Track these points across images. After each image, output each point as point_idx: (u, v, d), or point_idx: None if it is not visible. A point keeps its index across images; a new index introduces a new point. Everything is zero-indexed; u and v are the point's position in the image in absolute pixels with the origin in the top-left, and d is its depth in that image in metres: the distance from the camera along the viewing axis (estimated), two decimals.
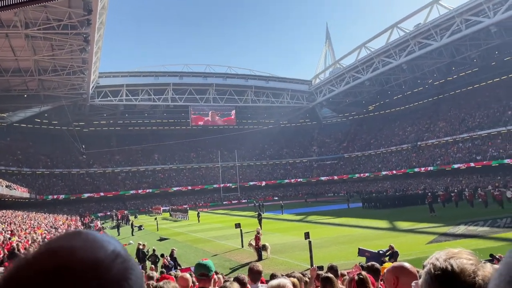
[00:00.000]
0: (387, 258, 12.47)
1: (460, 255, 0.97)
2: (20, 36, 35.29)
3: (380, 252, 12.76)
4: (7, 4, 3.75)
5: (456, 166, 55.49)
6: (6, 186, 40.64)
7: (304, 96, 80.00)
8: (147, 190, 70.99)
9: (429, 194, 34.53)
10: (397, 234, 20.99)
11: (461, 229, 20.54)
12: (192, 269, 12.10)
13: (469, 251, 1.02)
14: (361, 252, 13.66)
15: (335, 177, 77.01)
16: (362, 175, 72.23)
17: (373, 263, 4.69)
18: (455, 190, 40.76)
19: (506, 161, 49.05)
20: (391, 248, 12.64)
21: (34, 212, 45.85)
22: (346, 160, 79.77)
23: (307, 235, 15.39)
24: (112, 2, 41.70)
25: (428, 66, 60.74)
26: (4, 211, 39.62)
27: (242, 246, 20.12)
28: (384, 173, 67.61)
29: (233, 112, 78.01)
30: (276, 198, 70.50)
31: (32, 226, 28.78)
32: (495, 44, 51.61)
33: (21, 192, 47.94)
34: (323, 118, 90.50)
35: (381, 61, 59.93)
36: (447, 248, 1.05)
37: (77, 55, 41.24)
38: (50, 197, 61.53)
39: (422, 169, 60.66)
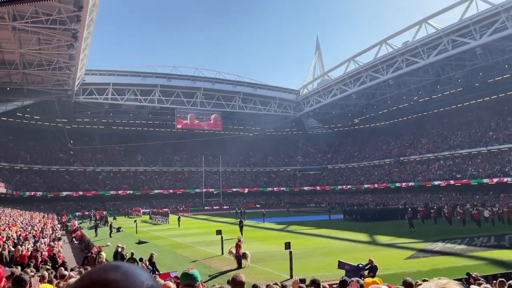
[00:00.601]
0: (366, 272, 12.52)
1: (449, 286, 1.02)
2: (7, 28, 34.59)
3: (360, 265, 12.79)
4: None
5: (436, 183, 56.42)
6: None
7: (292, 106, 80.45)
8: (128, 192, 70.01)
9: (410, 209, 34.95)
10: (376, 248, 21.14)
11: (439, 246, 20.81)
12: (172, 274, 11.91)
13: (457, 282, 1.04)
14: (341, 265, 13.66)
15: (318, 188, 77.41)
16: (344, 187, 72.76)
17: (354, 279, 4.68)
18: (435, 207, 41.37)
19: (485, 180, 50.11)
20: (370, 262, 12.70)
21: (10, 208, 44.69)
22: (330, 171, 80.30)
23: (287, 245, 15.36)
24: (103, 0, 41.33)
25: (414, 83, 61.81)
26: None
27: (222, 253, 19.94)
28: (366, 186, 68.27)
29: (220, 117, 77.85)
30: (258, 205, 70.43)
31: (7, 222, 28.02)
32: (479, 65, 52.87)
33: None
34: (309, 128, 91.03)
35: (369, 76, 60.76)
36: (435, 279, 1.06)
37: (64, 50, 40.65)
38: (27, 193, 60.11)
39: (404, 184, 61.47)
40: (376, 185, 66.43)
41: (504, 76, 56.47)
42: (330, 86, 69.27)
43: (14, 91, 53.51)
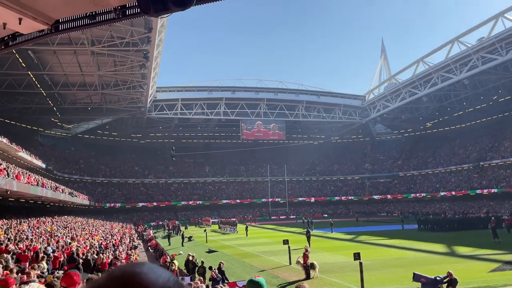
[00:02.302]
0: (444, 286, 11.68)
1: None
2: (86, 53, 37.98)
3: (437, 278, 11.96)
4: (81, 24, 4.00)
5: None
6: (69, 193, 43.27)
7: (357, 112, 78.35)
8: (198, 202, 72.51)
9: (493, 218, 32.09)
10: (455, 260, 19.65)
11: None
12: (239, 284, 12.06)
13: None
14: (416, 277, 12.88)
15: (389, 196, 74.11)
16: (418, 195, 68.87)
17: None
18: None
19: None
20: (449, 274, 11.81)
21: (92, 219, 48.39)
22: (401, 178, 76.59)
23: (357, 256, 14.84)
24: (170, 19, 43.63)
25: (492, 81, 57.31)
26: (66, 216, 42.21)
27: (290, 263, 19.81)
28: (442, 193, 64.02)
29: (283, 126, 78.13)
30: (326, 215, 69.09)
31: (90, 232, 30.33)
32: None
33: (81, 199, 50.81)
34: (376, 134, 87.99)
35: (440, 76, 57.39)
36: None
37: (137, 70, 43.60)
38: (107, 205, 64.69)
39: (485, 191, 56.76)
40: (453, 193, 62.04)
41: None
42: (398, 89, 66.49)
43: (94, 111, 58.35)
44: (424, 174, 72.55)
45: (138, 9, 3.32)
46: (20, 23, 3.51)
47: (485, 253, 21.20)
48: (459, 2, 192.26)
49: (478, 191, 57.82)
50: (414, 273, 13.08)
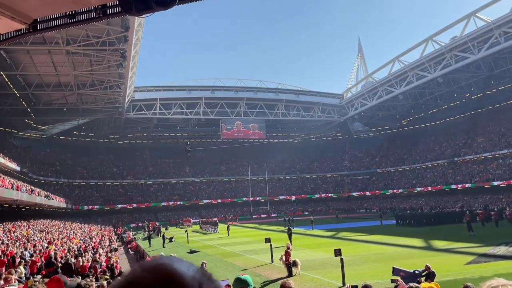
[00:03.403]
0: (423, 279, 11.96)
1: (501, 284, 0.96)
2: (61, 52, 37.10)
3: (416, 272, 12.24)
4: (55, 24, 3.94)
5: (496, 183, 53.03)
6: (45, 196, 42.25)
7: (336, 110, 79.30)
8: (178, 202, 71.92)
9: (467, 212, 33.14)
10: (433, 254, 20.17)
11: (502, 250, 19.50)
12: (223, 283, 12.05)
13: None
14: (395, 272, 13.16)
15: (367, 193, 75.36)
16: (395, 191, 70.28)
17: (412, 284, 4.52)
18: (495, 209, 38.93)
19: None
20: (427, 268, 12.11)
21: (70, 222, 47.40)
22: (379, 175, 77.97)
23: (338, 252, 15.04)
24: (148, 19, 43.13)
25: (465, 79, 58.94)
26: (43, 220, 41.22)
27: (272, 261, 19.91)
28: (418, 189, 65.50)
29: (263, 126, 78.34)
30: (306, 213, 69.72)
31: (68, 235, 29.69)
32: None
33: (58, 202, 49.70)
34: (354, 132, 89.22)
35: (416, 75, 58.67)
36: (496, 278, 1.00)
37: (114, 70, 42.87)
38: (85, 207, 63.43)
39: (459, 186, 58.37)
40: (429, 188, 63.55)
41: None
42: (375, 88, 67.62)
43: (70, 111, 57.02)
44: (401, 171, 74.06)
45: (120, 8, 3.29)
46: None
47: (460, 246, 21.83)
48: (433, 2, 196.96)
49: (453, 186, 59.40)
50: (393, 268, 13.37)
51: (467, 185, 57.29)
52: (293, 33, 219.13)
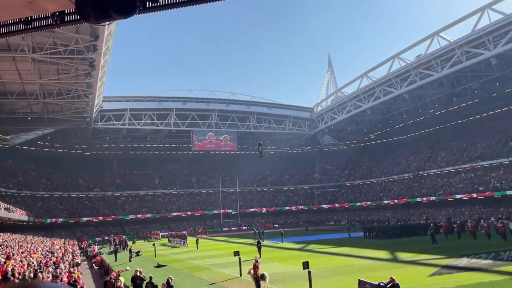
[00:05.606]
0: None
1: None
2: (27, 60, 35.91)
3: (381, 284, 12.45)
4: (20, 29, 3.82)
5: (458, 196, 54.98)
6: (5, 209, 40.38)
7: (306, 123, 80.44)
8: (147, 215, 70.35)
9: (432, 224, 34.05)
10: (398, 265, 20.57)
11: (463, 261, 20.11)
12: None
13: None
14: (361, 284, 13.34)
15: (337, 205, 76.34)
16: (364, 203, 71.55)
17: None
18: (458, 221, 40.18)
19: (509, 192, 48.58)
20: (392, 280, 12.33)
21: (31, 236, 45.34)
22: (348, 188, 79.25)
23: (306, 265, 15.08)
24: (119, 28, 42.66)
25: (429, 96, 61.18)
26: (2, 234, 39.22)
27: (241, 275, 19.73)
28: (386, 202, 66.97)
29: (235, 138, 78.32)
30: (277, 225, 69.68)
31: (28, 250, 28.36)
32: (495, 75, 52.05)
33: (19, 215, 47.58)
34: (324, 145, 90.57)
35: (383, 90, 60.48)
36: None
37: (82, 79, 41.86)
38: (48, 220, 60.94)
39: (424, 199, 60.10)
40: (396, 201, 65.10)
41: None
42: (344, 102, 69.16)
43: (34, 121, 55.01)
44: (369, 184, 75.58)
45: (77, 16, 3.22)
46: None
47: (425, 258, 22.37)
48: (400, 21, 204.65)
49: (418, 199, 61.08)
50: (359, 280, 13.54)
51: (431, 198, 59.05)
52: (264, 46, 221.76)
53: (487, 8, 44.99)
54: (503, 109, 60.96)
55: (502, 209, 48.79)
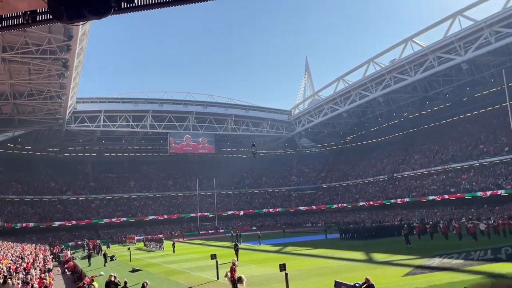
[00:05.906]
0: None
1: None
2: None
3: (356, 285, 12.60)
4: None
5: (431, 198, 56.44)
6: None
7: (284, 126, 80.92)
8: (122, 219, 69.10)
9: (405, 225, 34.83)
10: (373, 266, 20.91)
11: (436, 261, 20.62)
12: None
13: None
14: (337, 285, 13.48)
15: (314, 207, 77.04)
16: (340, 205, 72.49)
17: None
18: (430, 222, 41.26)
19: (479, 194, 50.24)
20: (367, 280, 12.51)
21: (1, 241, 43.74)
22: (325, 190, 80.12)
23: (282, 267, 15.13)
24: (93, 28, 41.83)
25: (403, 99, 62.59)
26: None
27: (218, 278, 19.61)
28: (361, 203, 68.07)
29: (213, 140, 77.93)
30: (254, 228, 69.71)
31: None
32: (466, 80, 53.77)
33: None
34: (302, 147, 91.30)
35: (358, 94, 61.54)
36: None
37: (55, 80, 40.74)
38: (18, 225, 59.07)
39: (398, 200, 61.40)
40: (371, 202, 66.28)
41: (491, 90, 57.19)
42: (321, 105, 69.97)
43: (4, 122, 53.17)
44: (345, 186, 76.65)
45: (50, 16, 3.13)
46: None
47: (399, 258, 22.83)
48: (374, 25, 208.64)
49: (393, 201, 62.37)
50: (335, 281, 13.68)
51: (405, 200, 60.40)
52: (243, 48, 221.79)
53: (458, 14, 46.53)
54: (474, 113, 63.11)
55: (472, 210, 50.46)
